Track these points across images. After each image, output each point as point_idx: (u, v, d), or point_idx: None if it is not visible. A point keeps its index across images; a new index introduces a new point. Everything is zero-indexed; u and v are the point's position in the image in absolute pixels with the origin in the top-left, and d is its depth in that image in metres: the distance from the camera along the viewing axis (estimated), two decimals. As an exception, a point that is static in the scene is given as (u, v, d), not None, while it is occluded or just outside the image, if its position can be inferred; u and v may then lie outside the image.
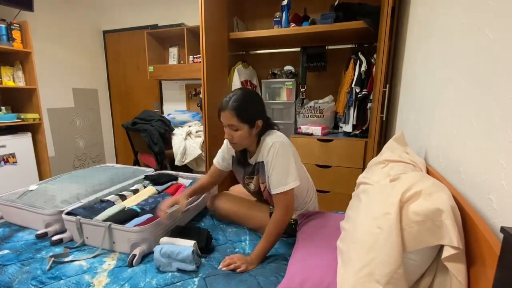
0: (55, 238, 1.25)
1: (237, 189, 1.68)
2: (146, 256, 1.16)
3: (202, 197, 1.56)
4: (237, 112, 1.10)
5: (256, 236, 1.38)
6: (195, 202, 1.49)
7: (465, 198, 0.69)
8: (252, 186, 1.34)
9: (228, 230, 1.41)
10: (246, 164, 1.30)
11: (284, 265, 1.10)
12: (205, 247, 1.18)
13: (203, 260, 1.14)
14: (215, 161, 1.41)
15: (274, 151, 1.11)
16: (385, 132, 2.00)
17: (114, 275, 1.03)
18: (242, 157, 1.30)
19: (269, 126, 1.22)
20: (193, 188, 1.40)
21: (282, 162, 1.12)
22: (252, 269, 1.07)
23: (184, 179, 1.84)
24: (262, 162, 1.20)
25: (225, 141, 1.35)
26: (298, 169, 1.19)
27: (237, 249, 1.25)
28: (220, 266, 1.06)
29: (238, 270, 1.04)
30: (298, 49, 2.47)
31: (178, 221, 1.37)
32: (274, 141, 1.13)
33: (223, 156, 1.38)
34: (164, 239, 1.14)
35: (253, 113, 1.14)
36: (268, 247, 1.12)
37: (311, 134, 2.25)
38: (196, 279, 1.01)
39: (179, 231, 1.26)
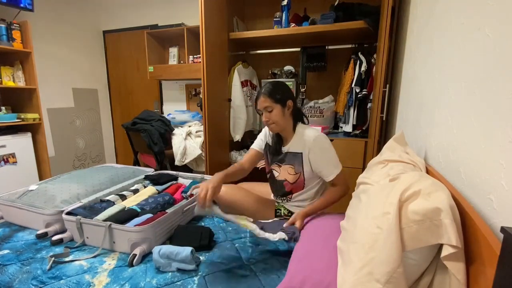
0: (55, 238, 1.25)
1: (246, 186, 1.68)
2: (147, 255, 1.16)
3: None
4: (269, 95, 1.29)
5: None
6: (195, 202, 1.49)
7: (465, 198, 0.69)
8: (276, 174, 1.44)
9: (228, 229, 1.42)
10: (278, 151, 1.42)
11: (285, 263, 1.10)
12: (208, 245, 1.22)
13: (203, 257, 1.15)
14: (254, 146, 1.52)
15: (320, 144, 1.29)
16: (385, 132, 2.00)
17: (114, 275, 1.03)
18: (278, 143, 1.42)
19: (299, 114, 1.39)
20: (231, 171, 1.33)
21: (330, 152, 1.31)
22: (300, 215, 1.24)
23: (184, 179, 1.84)
24: (296, 153, 1.34)
25: (264, 129, 1.52)
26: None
27: (237, 244, 1.26)
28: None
29: (297, 224, 1.21)
30: (298, 49, 2.47)
31: (179, 220, 1.38)
32: (317, 134, 1.29)
33: (261, 141, 1.51)
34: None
35: (283, 94, 1.30)
36: (319, 208, 1.30)
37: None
38: (196, 278, 1.02)
39: (182, 230, 1.28)
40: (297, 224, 1.21)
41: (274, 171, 1.45)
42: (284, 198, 1.46)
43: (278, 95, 1.29)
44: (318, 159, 1.30)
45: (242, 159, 1.50)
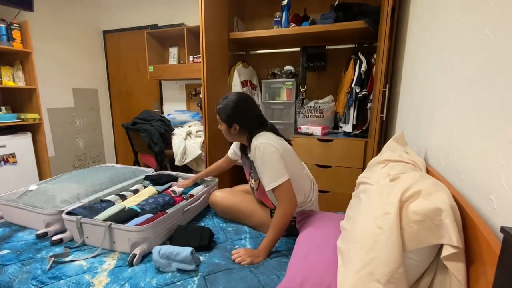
0: (55, 238, 1.25)
1: (240, 189, 1.71)
2: (147, 255, 1.16)
3: (202, 197, 1.56)
4: (218, 112, 1.33)
5: (257, 233, 1.39)
6: (196, 203, 1.50)
7: (465, 198, 0.69)
8: (252, 181, 1.45)
9: (228, 229, 1.42)
10: (247, 157, 1.43)
11: (285, 263, 1.10)
12: (208, 245, 1.22)
13: (203, 258, 1.15)
14: (228, 152, 1.65)
15: (259, 152, 1.22)
16: (385, 132, 2.00)
17: (114, 275, 1.03)
18: (242, 150, 1.47)
19: (255, 130, 1.32)
20: (206, 170, 1.72)
21: (268, 161, 1.22)
22: (259, 262, 1.13)
23: (184, 180, 1.84)
24: (252, 161, 1.34)
25: None
26: (291, 167, 1.26)
27: (237, 246, 1.27)
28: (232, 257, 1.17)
29: (242, 263, 1.11)
30: (298, 49, 2.47)
31: (179, 220, 1.38)
32: (258, 143, 1.23)
33: (235, 148, 1.59)
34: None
35: (230, 117, 1.31)
36: (274, 239, 1.20)
37: (311, 134, 2.25)
38: (196, 278, 1.01)
39: (182, 230, 1.28)
40: (244, 263, 1.12)
41: (251, 178, 1.47)
42: (262, 203, 1.47)
43: (224, 115, 1.31)
44: (258, 167, 1.26)
45: (223, 158, 1.69)
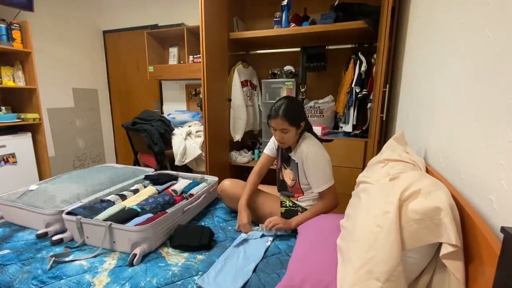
0: (55, 238, 1.25)
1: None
2: (147, 255, 1.17)
3: (202, 196, 1.56)
4: (288, 119, 1.31)
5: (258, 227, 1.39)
6: (196, 202, 1.50)
7: (465, 198, 0.69)
8: (282, 173, 1.53)
9: (228, 228, 1.42)
10: (286, 155, 1.48)
11: (285, 262, 1.10)
12: (208, 244, 1.22)
13: (203, 256, 1.15)
14: (266, 149, 1.60)
15: (312, 158, 1.34)
16: (385, 132, 2.00)
17: (114, 275, 1.03)
18: (286, 151, 1.49)
19: (307, 125, 1.45)
20: (246, 195, 1.47)
21: (321, 167, 1.35)
22: (290, 229, 1.32)
23: (184, 179, 1.84)
24: (295, 162, 1.41)
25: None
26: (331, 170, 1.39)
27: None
28: (264, 228, 1.33)
29: (276, 227, 1.30)
30: (298, 49, 2.47)
31: (179, 220, 1.38)
32: (311, 150, 1.34)
33: (274, 144, 1.57)
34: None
35: (298, 117, 1.36)
36: (306, 218, 1.33)
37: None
38: (196, 278, 1.02)
39: (182, 229, 1.28)
40: (277, 226, 1.31)
41: (281, 171, 1.54)
42: (287, 195, 1.53)
43: (295, 118, 1.33)
44: (308, 172, 1.36)
45: (257, 165, 1.59)
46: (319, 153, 1.35)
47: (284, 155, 1.49)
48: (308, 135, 1.42)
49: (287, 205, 1.46)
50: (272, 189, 1.68)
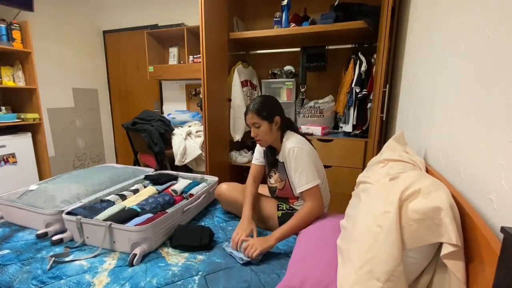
0: (55, 238, 1.25)
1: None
2: (147, 255, 1.17)
3: (202, 197, 1.56)
4: (257, 112, 1.32)
5: (260, 229, 1.39)
6: (196, 202, 1.50)
7: (465, 198, 0.69)
8: (272, 180, 1.48)
9: (228, 228, 1.42)
10: (274, 160, 1.44)
11: (285, 262, 1.10)
12: (208, 244, 1.22)
13: (204, 257, 1.15)
14: (253, 160, 1.56)
15: (293, 155, 1.27)
16: (385, 132, 2.00)
17: (114, 275, 1.03)
18: (271, 153, 1.45)
19: (289, 125, 1.40)
20: (249, 205, 1.37)
21: (302, 164, 1.27)
22: (270, 246, 1.14)
23: (184, 179, 1.84)
24: (282, 162, 1.36)
25: None
26: (316, 169, 1.31)
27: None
28: (233, 246, 1.19)
29: (254, 255, 1.09)
30: (298, 49, 2.47)
31: (179, 220, 1.38)
32: (293, 146, 1.28)
33: (259, 153, 1.54)
34: None
35: (270, 111, 1.32)
36: (291, 230, 1.19)
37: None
38: (196, 278, 1.02)
39: (182, 230, 1.28)
40: (255, 254, 1.09)
41: (270, 177, 1.50)
42: (283, 201, 1.47)
43: (265, 112, 1.31)
44: (290, 169, 1.30)
45: (249, 175, 1.52)
46: (301, 149, 1.27)
47: (271, 160, 1.45)
48: (292, 133, 1.37)
49: (284, 209, 1.41)
50: (266, 188, 1.63)
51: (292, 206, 1.43)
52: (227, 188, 1.55)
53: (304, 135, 1.43)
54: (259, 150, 1.53)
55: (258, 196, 1.51)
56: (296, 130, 1.43)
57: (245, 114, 1.37)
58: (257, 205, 1.46)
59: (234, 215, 1.58)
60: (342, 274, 0.75)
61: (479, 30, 0.69)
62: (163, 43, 3.34)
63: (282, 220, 1.34)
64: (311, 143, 1.41)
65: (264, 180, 1.57)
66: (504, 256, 0.45)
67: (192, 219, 1.52)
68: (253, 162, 1.56)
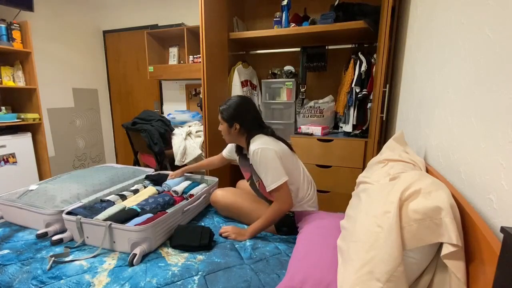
0: (55, 238, 1.25)
1: (243, 184, 1.75)
2: (147, 255, 1.17)
3: (202, 197, 1.56)
4: (221, 111, 1.41)
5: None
6: (196, 202, 1.50)
7: (465, 198, 0.69)
8: (253, 181, 1.48)
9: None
10: (243, 155, 1.50)
11: (285, 262, 1.10)
12: (208, 244, 1.22)
13: (203, 257, 1.15)
14: (224, 151, 1.71)
15: (257, 157, 1.30)
16: (385, 132, 2.00)
17: (114, 275, 1.03)
18: (238, 151, 1.54)
19: (257, 129, 1.41)
20: (198, 164, 1.77)
21: (266, 165, 1.29)
22: (242, 240, 1.29)
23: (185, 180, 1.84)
24: (251, 164, 1.38)
25: None
26: (288, 167, 1.34)
27: (237, 245, 1.27)
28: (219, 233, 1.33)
29: (228, 238, 1.30)
30: (298, 49, 2.47)
31: (179, 220, 1.38)
32: (255, 148, 1.30)
33: (231, 148, 1.64)
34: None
35: (231, 115, 1.38)
36: (261, 227, 1.33)
37: (311, 134, 2.25)
38: (196, 278, 1.02)
39: (182, 230, 1.28)
40: (228, 238, 1.32)
41: (251, 179, 1.50)
42: (267, 200, 1.47)
43: (225, 115, 1.38)
44: (258, 171, 1.34)
45: (217, 155, 1.73)
46: (263, 150, 1.28)
47: (242, 157, 1.51)
48: (258, 136, 1.37)
49: None
50: None
51: None
52: (222, 194, 1.55)
53: (280, 137, 1.43)
54: (231, 147, 1.62)
55: (250, 198, 1.53)
56: (267, 133, 1.40)
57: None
58: (250, 208, 1.47)
59: (230, 219, 1.56)
60: (342, 274, 0.75)
61: (479, 30, 0.69)
62: (163, 43, 3.34)
63: (277, 225, 1.39)
64: (289, 145, 1.42)
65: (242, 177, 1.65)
66: (504, 256, 0.45)
67: (192, 220, 1.52)
68: (222, 152, 1.70)
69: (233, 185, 1.88)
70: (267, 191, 1.32)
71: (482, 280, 0.55)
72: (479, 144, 0.65)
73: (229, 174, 2.64)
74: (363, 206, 0.81)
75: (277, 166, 1.29)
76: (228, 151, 1.67)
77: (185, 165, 2.66)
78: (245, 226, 1.44)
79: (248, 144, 1.38)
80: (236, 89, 2.52)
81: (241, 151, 1.52)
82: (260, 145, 1.31)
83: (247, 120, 1.40)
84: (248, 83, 2.68)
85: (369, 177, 0.95)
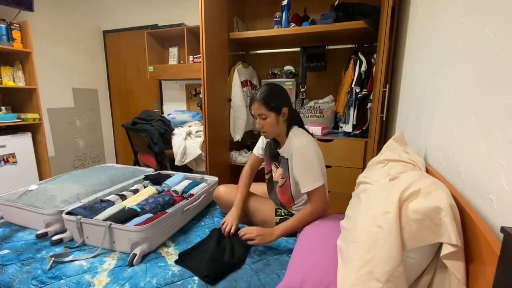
0: (55, 238, 1.25)
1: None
2: (147, 255, 1.16)
3: (202, 196, 1.56)
4: (264, 102, 1.24)
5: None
6: (196, 202, 1.49)
7: (465, 198, 0.69)
8: (274, 175, 1.43)
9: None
10: (275, 153, 1.39)
11: (285, 262, 1.10)
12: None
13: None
14: (254, 150, 1.55)
15: (301, 153, 1.23)
16: (385, 132, 2.00)
17: (114, 275, 1.03)
18: (274, 145, 1.41)
19: (296, 118, 1.35)
20: (242, 195, 1.43)
21: (310, 163, 1.23)
22: (270, 242, 1.17)
23: (186, 179, 1.84)
24: (285, 158, 1.31)
25: None
26: (321, 171, 1.28)
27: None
28: (239, 233, 1.17)
29: (251, 243, 1.14)
30: (298, 49, 2.47)
31: (179, 220, 1.38)
32: (302, 143, 1.23)
33: (262, 145, 1.52)
34: None
35: (278, 101, 1.26)
36: (291, 228, 1.21)
37: (311, 134, 2.25)
38: (196, 278, 1.02)
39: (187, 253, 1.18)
40: (252, 242, 1.15)
41: (272, 172, 1.45)
42: (280, 205, 1.44)
43: (273, 102, 1.24)
44: (296, 168, 1.26)
45: (247, 165, 1.54)
46: (310, 148, 1.23)
47: (273, 152, 1.40)
48: (299, 129, 1.32)
49: (282, 214, 1.38)
50: (264, 187, 1.61)
51: (290, 211, 1.40)
52: (225, 191, 1.53)
53: (309, 132, 1.39)
54: (262, 142, 1.50)
55: (256, 197, 1.49)
56: (302, 125, 1.38)
57: (250, 103, 1.30)
58: (255, 207, 1.44)
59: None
60: (342, 275, 0.75)
61: (479, 30, 0.69)
62: (163, 43, 3.34)
63: None
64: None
65: (261, 179, 1.56)
66: (504, 256, 0.45)
67: (192, 219, 1.52)
68: (254, 152, 1.54)
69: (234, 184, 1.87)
70: (302, 191, 1.24)
71: (482, 280, 0.55)
72: (479, 144, 0.65)
73: (229, 175, 2.64)
74: (363, 206, 0.81)
75: (319, 167, 1.23)
76: (258, 148, 1.52)
77: (185, 165, 2.67)
78: (245, 227, 1.44)
79: (286, 135, 1.30)
80: (236, 89, 2.52)
81: (276, 145, 1.38)
82: (306, 141, 1.23)
83: (290, 103, 1.31)
84: (248, 83, 2.68)
85: (369, 177, 0.95)
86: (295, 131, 1.31)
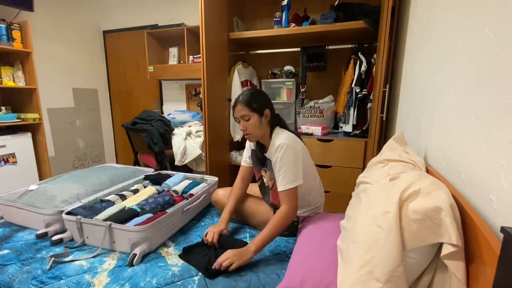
0: (55, 238, 1.25)
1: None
2: (147, 255, 1.16)
3: (202, 196, 1.56)
4: (247, 103, 1.26)
5: (256, 233, 1.38)
6: (196, 202, 1.50)
7: (465, 198, 0.69)
8: (265, 180, 1.42)
9: (228, 229, 1.41)
10: (262, 158, 1.38)
11: (285, 262, 1.10)
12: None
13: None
14: (242, 161, 1.51)
15: (281, 152, 1.21)
16: (385, 132, 2.00)
17: (114, 275, 1.03)
18: (259, 150, 1.39)
19: (277, 120, 1.35)
20: (229, 208, 1.38)
21: (288, 162, 1.21)
22: (248, 260, 1.08)
23: (186, 179, 1.84)
24: (270, 160, 1.30)
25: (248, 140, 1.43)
26: (306, 169, 1.27)
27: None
28: (213, 266, 1.05)
29: (231, 268, 1.04)
30: (298, 49, 2.47)
31: (179, 220, 1.38)
32: (281, 142, 1.22)
33: (248, 153, 1.49)
34: None
35: (260, 103, 1.28)
36: (268, 238, 1.15)
37: (311, 134, 2.25)
38: (196, 278, 1.02)
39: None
40: (231, 267, 1.04)
41: (263, 177, 1.43)
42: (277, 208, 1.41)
43: (255, 104, 1.26)
44: (276, 166, 1.24)
45: (238, 177, 1.49)
46: (289, 147, 1.21)
47: (259, 158, 1.39)
48: (281, 130, 1.31)
49: None
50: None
51: None
52: (223, 194, 1.52)
53: (294, 131, 1.37)
54: (248, 150, 1.48)
55: (253, 199, 1.48)
56: (285, 126, 1.37)
57: (233, 107, 1.31)
58: (253, 209, 1.44)
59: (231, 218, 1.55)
60: (342, 275, 0.75)
61: (479, 30, 0.69)
62: (163, 43, 3.34)
63: None
64: (301, 139, 1.36)
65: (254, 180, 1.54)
66: (504, 256, 0.45)
67: (192, 220, 1.52)
68: (242, 163, 1.50)
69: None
70: (279, 190, 1.23)
71: (482, 280, 0.55)
72: (479, 144, 0.65)
73: (229, 174, 2.64)
74: (363, 206, 0.81)
75: (298, 167, 1.22)
76: (248, 158, 1.49)
77: (185, 165, 2.67)
78: (247, 228, 1.44)
79: (270, 137, 1.30)
80: (236, 89, 2.52)
81: (262, 149, 1.38)
82: (286, 140, 1.22)
83: (272, 106, 1.32)
84: (248, 83, 2.68)
85: (369, 177, 0.95)
86: (277, 131, 1.31)
